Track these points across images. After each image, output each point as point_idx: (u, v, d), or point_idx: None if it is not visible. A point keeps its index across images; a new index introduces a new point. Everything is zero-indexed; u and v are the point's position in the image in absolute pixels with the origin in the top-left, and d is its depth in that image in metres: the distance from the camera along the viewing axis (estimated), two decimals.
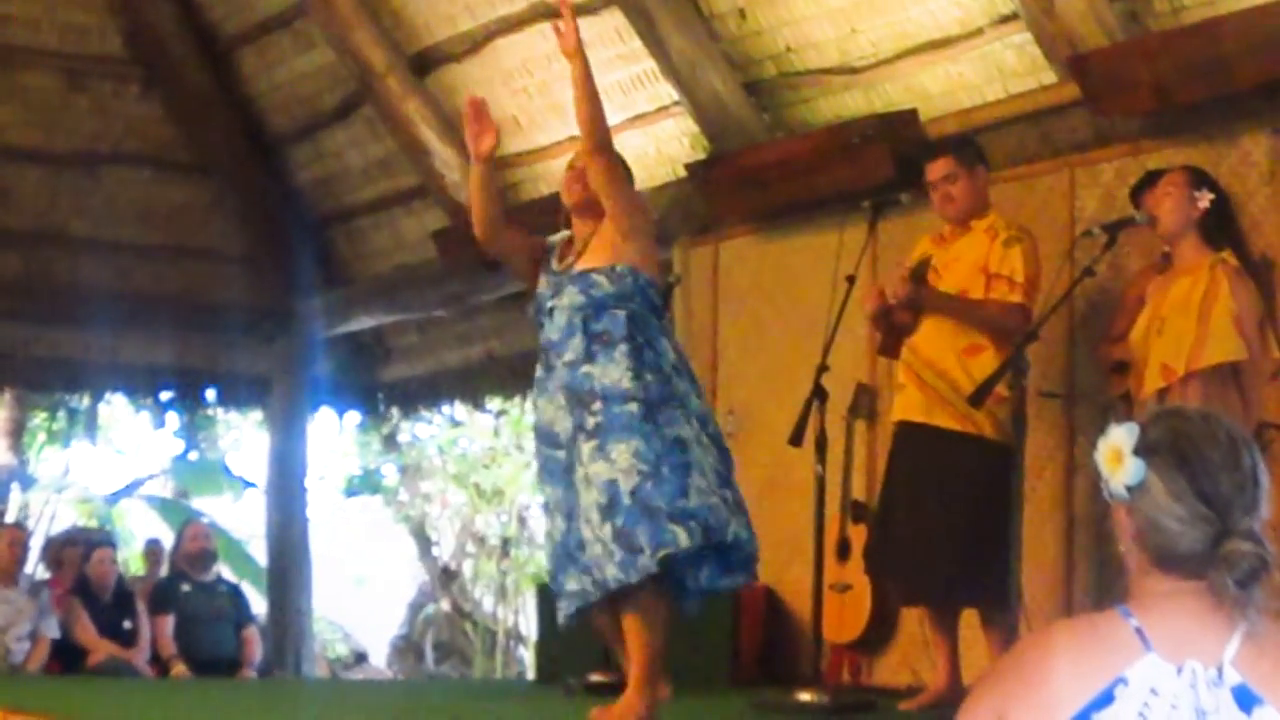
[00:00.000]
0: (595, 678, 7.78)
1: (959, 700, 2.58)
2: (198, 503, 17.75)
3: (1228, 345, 6.14)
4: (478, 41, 10.77)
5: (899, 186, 7.54)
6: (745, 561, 5.85)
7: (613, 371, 5.73)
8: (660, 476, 5.61)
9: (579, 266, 5.95)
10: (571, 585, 5.79)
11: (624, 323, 5.82)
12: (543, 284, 6.06)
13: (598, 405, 5.71)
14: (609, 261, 5.91)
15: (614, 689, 7.38)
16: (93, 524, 16.70)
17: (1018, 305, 6.80)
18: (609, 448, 5.66)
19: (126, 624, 10.64)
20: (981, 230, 6.99)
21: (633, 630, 5.71)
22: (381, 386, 13.94)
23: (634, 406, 5.68)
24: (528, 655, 17.90)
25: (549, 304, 5.96)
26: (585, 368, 5.77)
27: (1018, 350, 6.45)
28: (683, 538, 5.58)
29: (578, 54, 5.84)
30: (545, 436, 5.93)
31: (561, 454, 5.82)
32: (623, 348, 5.77)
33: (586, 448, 5.70)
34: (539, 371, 6.01)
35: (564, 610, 5.88)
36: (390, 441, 18.12)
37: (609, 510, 5.62)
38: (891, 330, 7.10)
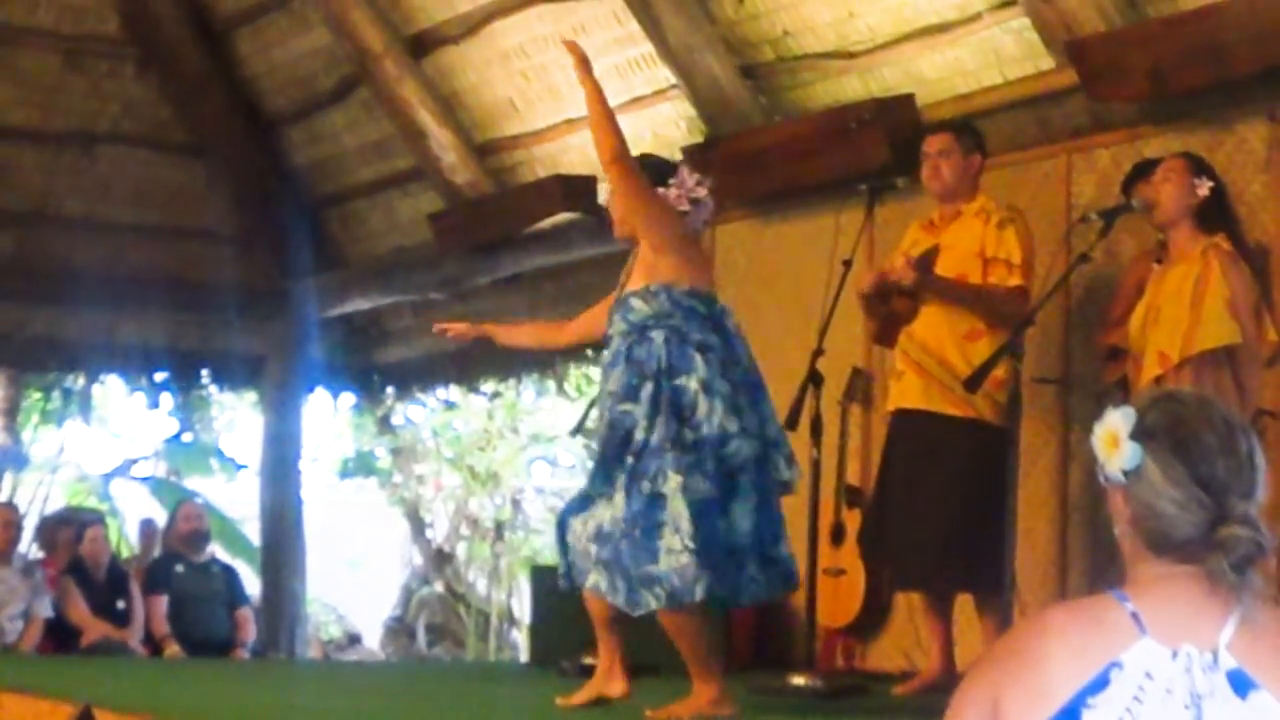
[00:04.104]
0: (589, 660, 7.77)
1: (953, 685, 2.58)
2: (191, 483, 17.73)
3: (1222, 329, 6.14)
4: (475, 23, 10.75)
5: (896, 171, 7.54)
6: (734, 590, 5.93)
7: (638, 416, 5.79)
8: (633, 538, 5.71)
9: (625, 292, 6.04)
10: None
11: (659, 351, 5.83)
12: None
13: (626, 449, 5.83)
14: (644, 282, 5.97)
15: None
16: (88, 504, 16.68)
17: (1018, 288, 6.82)
18: (614, 491, 5.80)
19: (120, 604, 10.64)
20: (972, 214, 7.01)
21: (671, 633, 5.88)
22: (376, 369, 13.93)
23: (631, 460, 5.78)
24: (521, 638, 17.90)
25: (608, 332, 6.07)
26: (624, 405, 5.83)
27: (1014, 335, 6.45)
28: (649, 600, 5.71)
29: (585, 80, 6.05)
30: (594, 439, 6.22)
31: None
32: (647, 389, 5.80)
33: (618, 477, 5.83)
34: (600, 386, 6.20)
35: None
36: (385, 424, 18.09)
37: (604, 539, 5.80)
38: (888, 318, 7.10)
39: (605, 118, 5.97)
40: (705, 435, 5.72)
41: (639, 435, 5.76)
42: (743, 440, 5.77)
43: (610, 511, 5.77)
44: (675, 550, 5.64)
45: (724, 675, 5.97)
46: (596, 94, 6.00)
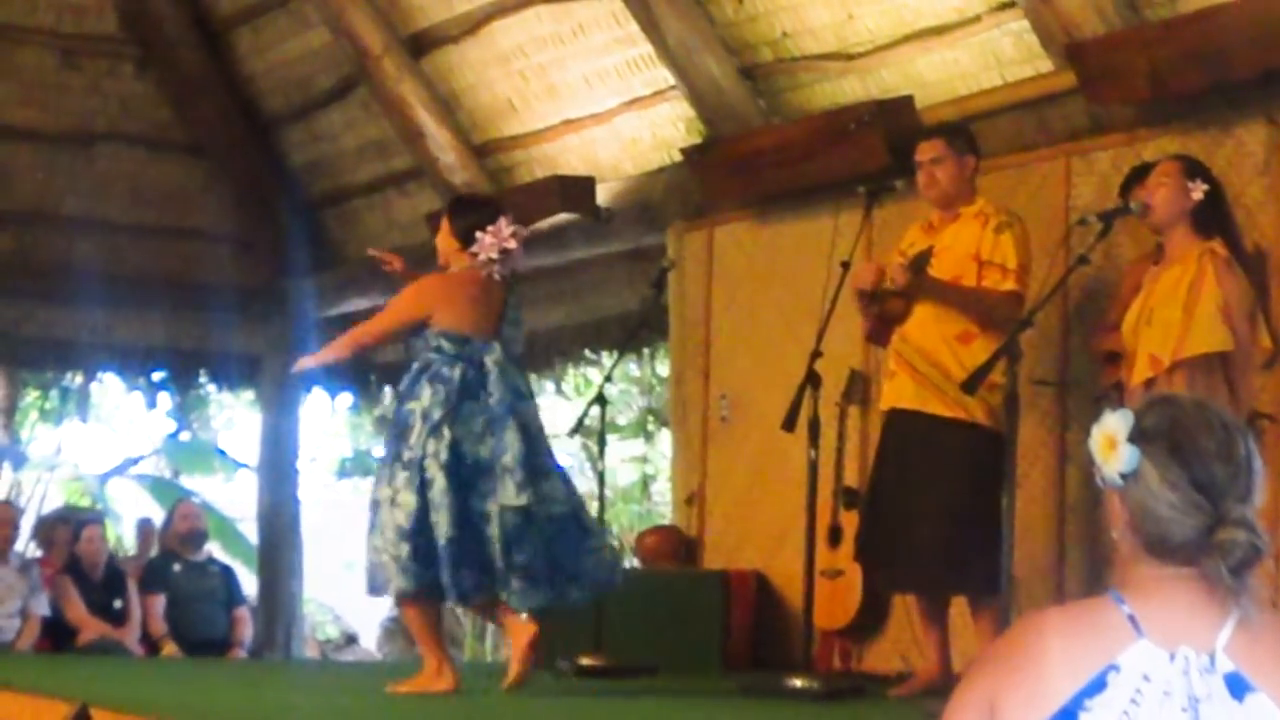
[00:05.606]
0: (586, 660, 7.77)
1: (949, 687, 2.58)
2: (189, 483, 17.72)
3: (1214, 336, 6.12)
4: (474, 23, 10.75)
5: (894, 173, 7.54)
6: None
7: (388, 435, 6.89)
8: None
9: None
10: None
11: (414, 372, 6.73)
12: None
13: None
14: None
15: (605, 672, 7.39)
16: (85, 503, 16.68)
17: (1012, 293, 6.81)
18: None
19: (117, 603, 10.64)
20: (971, 216, 7.00)
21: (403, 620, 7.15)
22: (374, 368, 13.89)
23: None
24: None
25: None
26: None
27: (1011, 337, 6.44)
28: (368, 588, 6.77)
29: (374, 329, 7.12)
30: None
31: None
32: (393, 413, 6.83)
33: None
34: None
35: None
36: (382, 423, 18.09)
37: None
38: (882, 318, 7.09)
39: (372, 340, 7.17)
40: (414, 456, 6.56)
41: (384, 451, 6.78)
42: (433, 462, 6.53)
43: None
44: (378, 549, 6.61)
45: (447, 654, 6.92)
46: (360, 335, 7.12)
